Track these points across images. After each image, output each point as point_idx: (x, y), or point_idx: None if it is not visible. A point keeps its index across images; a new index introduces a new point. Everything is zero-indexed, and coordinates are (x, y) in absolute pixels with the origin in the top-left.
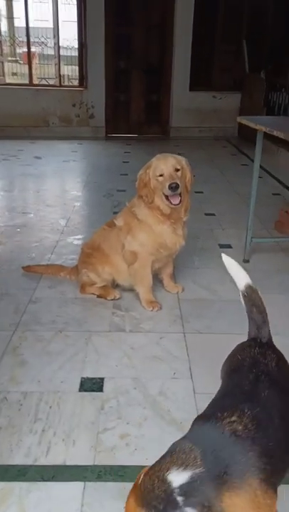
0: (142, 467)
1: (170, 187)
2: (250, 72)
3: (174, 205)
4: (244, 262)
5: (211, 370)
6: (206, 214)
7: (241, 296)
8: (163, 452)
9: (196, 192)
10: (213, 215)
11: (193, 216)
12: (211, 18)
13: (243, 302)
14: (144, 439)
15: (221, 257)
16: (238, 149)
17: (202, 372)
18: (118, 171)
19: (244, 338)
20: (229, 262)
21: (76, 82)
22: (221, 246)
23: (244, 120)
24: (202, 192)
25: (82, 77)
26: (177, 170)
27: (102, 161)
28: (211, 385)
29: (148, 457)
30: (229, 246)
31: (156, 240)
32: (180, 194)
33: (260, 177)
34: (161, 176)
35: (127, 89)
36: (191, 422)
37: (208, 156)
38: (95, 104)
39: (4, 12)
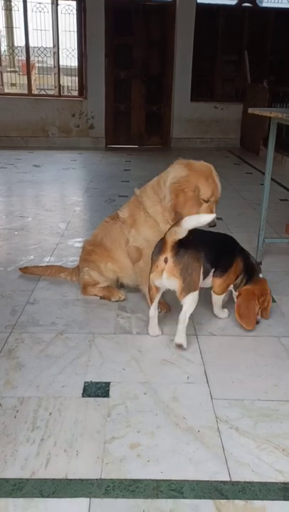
0: (157, 481)
1: (210, 225)
2: (252, 81)
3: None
4: None
5: (228, 374)
6: None
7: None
8: (180, 464)
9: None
10: (221, 219)
11: None
12: (212, 28)
13: None
14: (157, 450)
15: None
16: (241, 159)
17: (218, 376)
18: (119, 178)
19: (257, 340)
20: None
21: (76, 93)
22: None
23: (257, 111)
24: None
25: (82, 87)
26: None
27: (102, 169)
28: (229, 390)
29: (163, 470)
30: None
31: (162, 236)
32: None
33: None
34: (205, 201)
35: (127, 100)
36: (209, 430)
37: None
38: (95, 115)
39: (3, 21)
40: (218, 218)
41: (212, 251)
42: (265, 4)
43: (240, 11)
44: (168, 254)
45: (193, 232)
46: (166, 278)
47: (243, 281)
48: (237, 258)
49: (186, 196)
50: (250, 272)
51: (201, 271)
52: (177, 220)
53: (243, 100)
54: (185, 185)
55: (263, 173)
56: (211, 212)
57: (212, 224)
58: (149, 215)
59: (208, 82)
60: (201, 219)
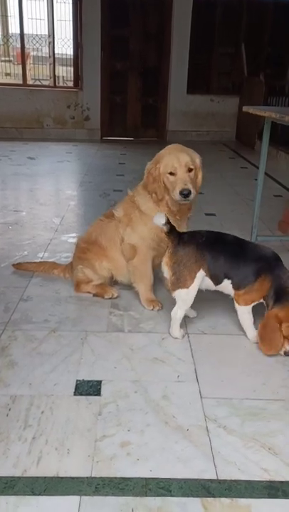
0: (146, 479)
1: (182, 193)
2: (248, 75)
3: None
4: None
5: (217, 373)
6: (207, 214)
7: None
8: (168, 462)
9: None
10: (214, 215)
11: (194, 216)
12: (209, 20)
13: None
14: (147, 448)
15: None
16: (236, 153)
17: (208, 375)
18: (114, 171)
19: (246, 338)
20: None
21: (71, 84)
22: None
23: (251, 109)
24: (202, 193)
25: (78, 78)
26: (190, 170)
27: (97, 162)
28: (218, 389)
29: (152, 468)
30: None
31: (157, 234)
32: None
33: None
34: (172, 174)
35: (123, 92)
36: (198, 429)
37: (206, 159)
38: (91, 106)
39: None
40: (211, 214)
41: (225, 258)
42: None
43: (237, 3)
44: (169, 246)
45: (207, 234)
46: (163, 268)
47: (271, 302)
48: (263, 276)
49: (152, 175)
50: (280, 293)
51: (200, 273)
52: (160, 198)
53: (240, 93)
54: (150, 165)
55: (258, 168)
56: (184, 182)
57: (185, 192)
58: (143, 212)
59: (205, 75)
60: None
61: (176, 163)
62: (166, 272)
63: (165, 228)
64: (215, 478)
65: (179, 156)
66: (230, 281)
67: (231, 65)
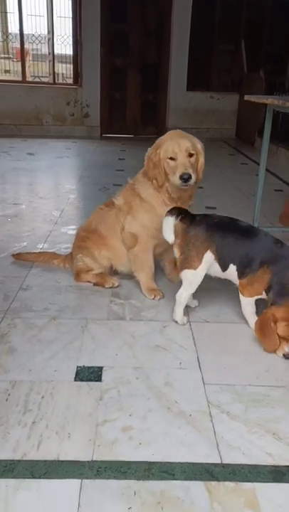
0: (148, 463)
1: (182, 178)
2: (248, 71)
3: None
4: None
5: (220, 360)
6: (207, 207)
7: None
8: (171, 447)
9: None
10: (215, 208)
11: (194, 209)
12: (209, 17)
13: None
14: (149, 433)
15: None
16: (236, 150)
17: (211, 362)
18: (114, 167)
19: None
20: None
21: (70, 81)
22: None
23: (253, 98)
24: (202, 187)
25: (77, 75)
26: (191, 155)
27: (97, 158)
28: (221, 376)
29: (154, 452)
30: None
31: (158, 222)
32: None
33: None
34: (172, 159)
35: (123, 88)
36: (201, 414)
37: (206, 155)
38: (90, 103)
39: None
40: (211, 207)
41: (233, 242)
42: None
43: (237, 0)
44: (182, 227)
45: (220, 217)
46: (174, 248)
47: (270, 298)
48: (266, 267)
49: (152, 161)
50: (281, 290)
51: (208, 255)
52: (160, 184)
53: (239, 90)
54: (151, 151)
55: (258, 164)
56: (184, 166)
57: (185, 177)
58: (144, 200)
59: (205, 72)
60: None
61: (176, 148)
62: (176, 251)
63: (178, 220)
64: (219, 462)
65: (180, 141)
66: (235, 267)
67: (231, 62)
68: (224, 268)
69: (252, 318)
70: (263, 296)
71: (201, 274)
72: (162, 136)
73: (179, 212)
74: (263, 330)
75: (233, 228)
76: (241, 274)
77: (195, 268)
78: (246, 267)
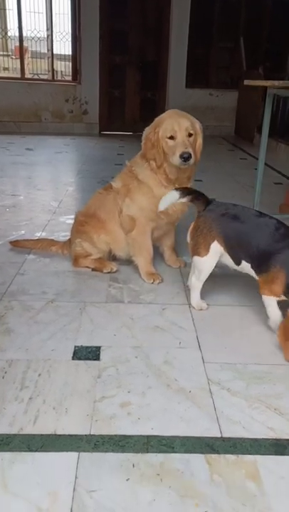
0: (147, 437)
1: (182, 157)
2: (247, 69)
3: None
4: None
5: (220, 340)
6: None
7: (181, 200)
8: (171, 422)
9: (195, 180)
10: (214, 200)
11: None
12: (207, 14)
13: (184, 200)
14: (148, 408)
15: None
16: (235, 146)
17: (211, 343)
18: (113, 161)
19: (251, 309)
20: (164, 203)
21: (69, 78)
22: None
23: (252, 82)
24: (201, 180)
25: (76, 72)
26: (190, 135)
27: (96, 153)
28: (221, 355)
29: (154, 427)
30: None
31: (156, 204)
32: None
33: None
34: (171, 138)
35: (121, 86)
36: (201, 391)
37: (204, 150)
38: (89, 100)
39: None
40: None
41: (244, 237)
42: None
43: None
44: (197, 210)
45: (234, 207)
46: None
47: None
48: (278, 267)
49: (150, 140)
50: None
51: (215, 245)
52: (158, 165)
53: (238, 88)
54: (149, 130)
55: (257, 159)
56: (184, 145)
57: (185, 156)
58: (141, 181)
59: (204, 69)
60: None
61: (176, 127)
62: (188, 236)
63: (186, 199)
64: (219, 436)
65: (180, 120)
66: (249, 264)
67: (230, 60)
68: (237, 262)
69: (275, 320)
70: (284, 297)
71: (210, 263)
72: (161, 115)
73: (189, 192)
74: (287, 335)
75: (246, 220)
76: (258, 272)
77: (202, 256)
78: (260, 264)
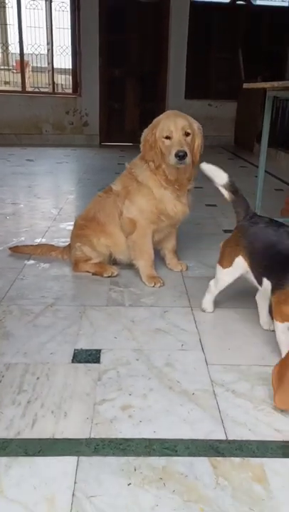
0: (149, 440)
1: (177, 155)
2: (246, 79)
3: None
4: None
5: (223, 342)
6: (207, 205)
7: (223, 189)
8: (173, 424)
9: (196, 188)
10: (215, 205)
11: (194, 207)
12: (206, 25)
13: (225, 193)
14: (150, 411)
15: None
16: (235, 155)
17: (214, 345)
18: (113, 170)
19: (254, 311)
20: (208, 167)
21: (70, 91)
22: (226, 231)
23: (252, 84)
24: (202, 187)
25: (76, 85)
26: (187, 134)
27: (96, 163)
28: (225, 356)
29: (156, 430)
30: None
31: (156, 205)
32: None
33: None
34: (168, 138)
35: (121, 97)
36: (204, 393)
37: (204, 159)
38: (89, 112)
39: None
40: (212, 205)
41: (268, 254)
42: (258, 2)
43: (234, 9)
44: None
45: (269, 222)
46: None
47: None
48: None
49: (148, 142)
50: None
51: (240, 260)
52: (157, 165)
53: (237, 98)
54: (147, 131)
55: (257, 167)
56: (180, 144)
57: (181, 154)
58: (141, 183)
59: (203, 80)
60: None
61: (172, 127)
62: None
63: (228, 196)
64: (224, 438)
65: (176, 119)
66: (270, 284)
67: (229, 70)
68: (259, 282)
69: (284, 350)
70: None
71: (229, 277)
72: (158, 116)
73: (236, 190)
74: (282, 376)
75: (278, 239)
76: (273, 290)
77: (223, 267)
78: (277, 282)
